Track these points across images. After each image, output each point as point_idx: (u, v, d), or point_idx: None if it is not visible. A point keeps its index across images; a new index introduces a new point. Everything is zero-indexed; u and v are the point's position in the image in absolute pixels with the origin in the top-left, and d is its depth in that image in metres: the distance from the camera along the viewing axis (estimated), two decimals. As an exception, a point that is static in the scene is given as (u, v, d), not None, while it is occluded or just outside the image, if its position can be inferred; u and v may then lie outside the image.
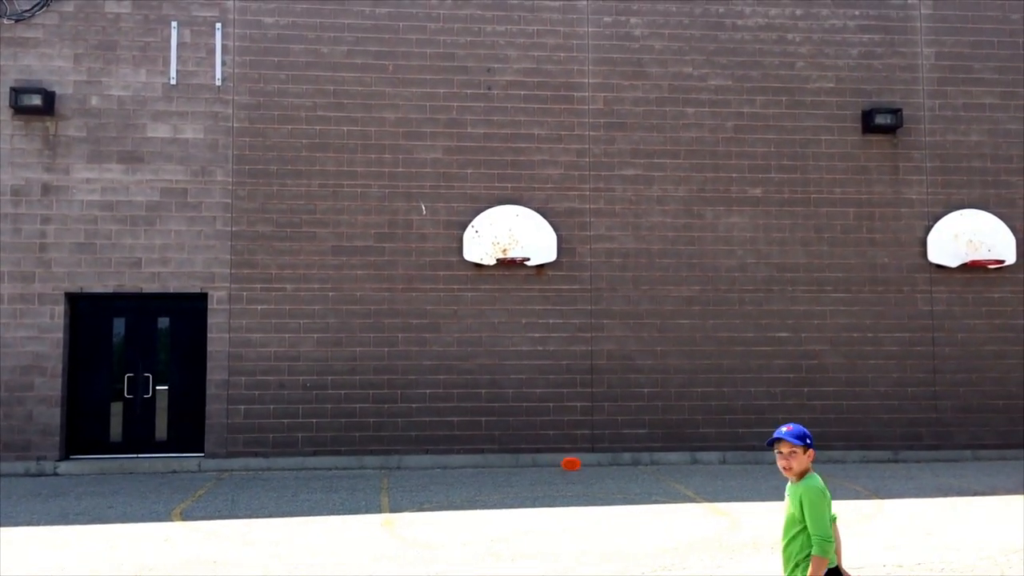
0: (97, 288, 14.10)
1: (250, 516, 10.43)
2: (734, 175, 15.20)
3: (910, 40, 15.66)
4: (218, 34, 14.51)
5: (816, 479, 4.71)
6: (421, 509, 10.84)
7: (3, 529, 9.73)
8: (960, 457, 15.02)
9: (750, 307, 15.07)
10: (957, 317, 15.33)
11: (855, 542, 8.58)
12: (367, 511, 10.72)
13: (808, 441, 4.75)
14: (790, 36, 15.49)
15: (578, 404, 14.63)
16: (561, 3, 15.11)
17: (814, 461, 4.77)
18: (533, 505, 11.04)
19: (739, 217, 15.16)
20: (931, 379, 15.19)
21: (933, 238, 15.30)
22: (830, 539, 4.58)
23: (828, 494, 4.67)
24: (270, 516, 10.42)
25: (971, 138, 15.62)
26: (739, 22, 15.42)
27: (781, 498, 4.98)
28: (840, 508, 4.88)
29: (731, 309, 15.04)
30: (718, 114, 15.26)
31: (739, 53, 15.38)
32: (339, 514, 10.54)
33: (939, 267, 15.34)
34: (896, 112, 15.26)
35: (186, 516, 10.48)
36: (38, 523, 10.08)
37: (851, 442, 14.94)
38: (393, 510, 10.78)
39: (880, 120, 15.21)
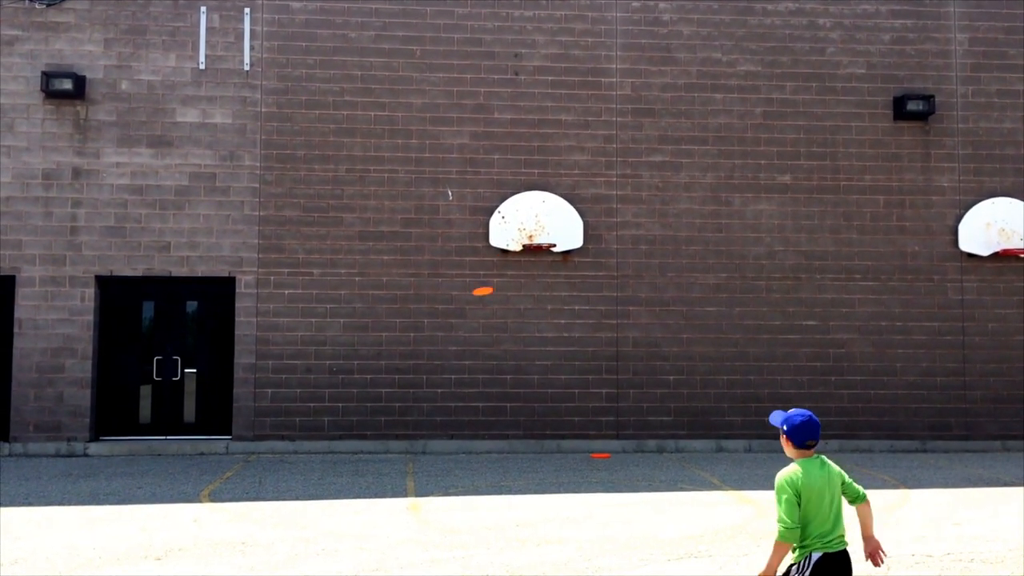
0: (127, 272, 14.24)
1: (277, 498, 10.52)
2: (763, 162, 15.08)
3: (943, 25, 15.43)
4: (247, 19, 14.56)
5: (785, 469, 4.67)
6: (446, 494, 10.88)
7: (36, 508, 9.88)
8: (989, 448, 14.87)
9: (777, 295, 14.97)
10: (988, 306, 15.15)
11: (883, 532, 8.52)
12: (393, 495, 10.78)
13: (783, 426, 4.72)
14: (821, 21, 15.31)
15: (603, 391, 14.62)
16: (589, -12, 15.03)
17: (834, 453, 4.74)
18: (558, 491, 11.05)
19: (767, 204, 15.05)
20: (961, 369, 15.04)
21: (964, 226, 15.11)
22: (785, 527, 4.49)
23: (788, 485, 4.54)
24: (297, 499, 10.51)
25: (1004, 125, 15.39)
26: (769, 7, 15.26)
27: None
28: (868, 497, 4.85)
29: (758, 297, 14.95)
30: (747, 100, 15.13)
31: (769, 38, 15.23)
32: (365, 498, 10.60)
33: (970, 256, 15.16)
34: (928, 99, 15.06)
35: (214, 497, 10.59)
36: (69, 503, 10.22)
37: (879, 432, 14.83)
38: (419, 494, 10.83)
39: (912, 106, 15.02)
